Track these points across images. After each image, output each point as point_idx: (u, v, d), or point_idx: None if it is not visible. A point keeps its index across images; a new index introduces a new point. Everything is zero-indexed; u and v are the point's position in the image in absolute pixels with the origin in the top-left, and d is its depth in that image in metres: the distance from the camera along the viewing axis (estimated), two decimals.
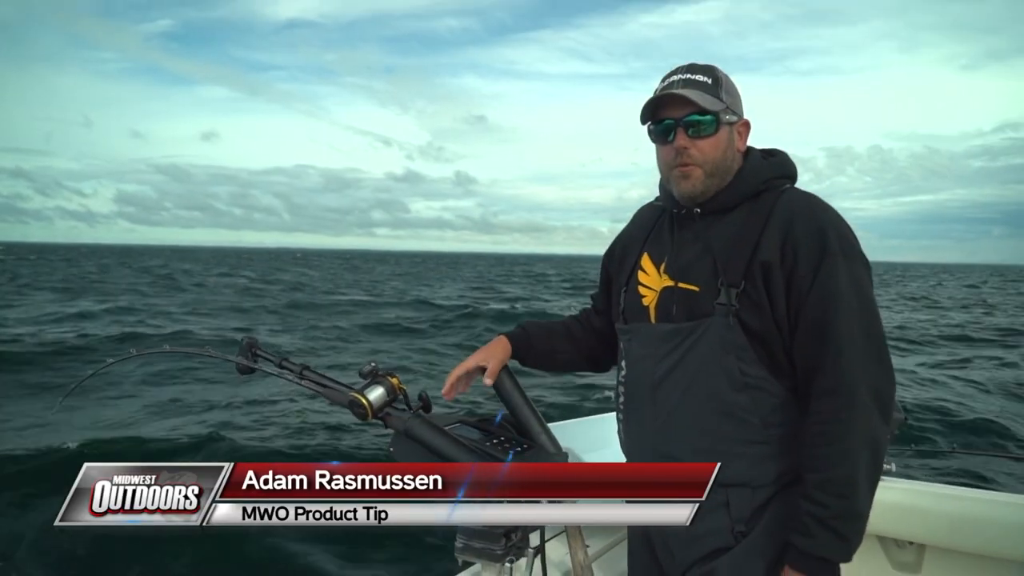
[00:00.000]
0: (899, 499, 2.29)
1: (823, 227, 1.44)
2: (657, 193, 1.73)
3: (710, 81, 1.52)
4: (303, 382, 1.57)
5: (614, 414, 1.66)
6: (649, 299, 1.60)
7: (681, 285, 1.54)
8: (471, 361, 1.68)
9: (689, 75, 1.53)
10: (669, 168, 1.55)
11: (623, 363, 1.66)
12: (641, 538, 1.67)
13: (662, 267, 1.60)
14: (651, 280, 1.61)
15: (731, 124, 1.54)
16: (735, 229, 1.51)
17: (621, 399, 1.66)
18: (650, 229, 1.70)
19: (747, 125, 1.59)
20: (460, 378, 1.67)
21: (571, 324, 1.87)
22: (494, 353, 1.70)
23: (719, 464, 1.44)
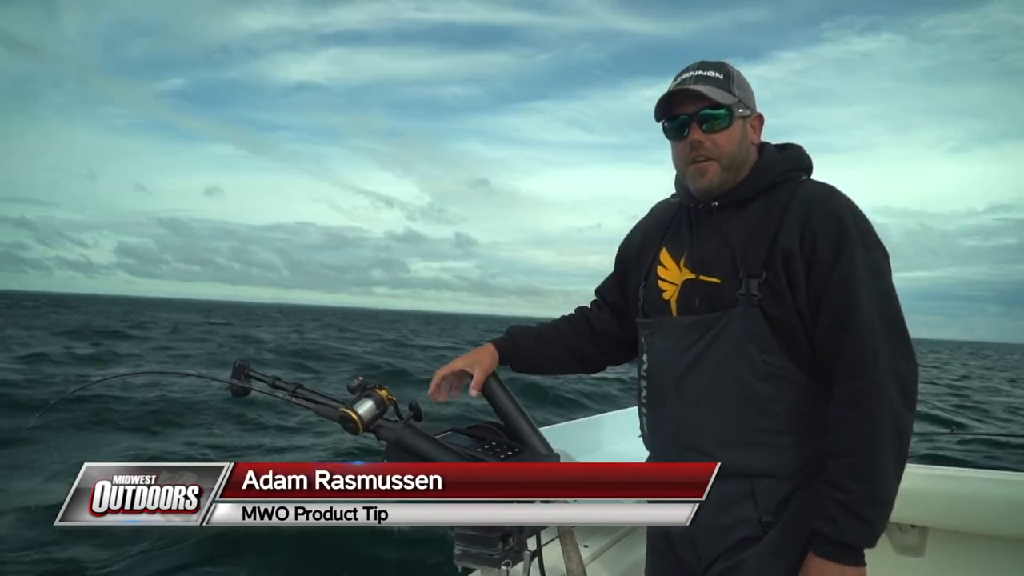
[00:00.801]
0: (901, 483, 2.29)
1: (841, 215, 1.45)
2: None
3: (722, 76, 1.54)
4: (296, 400, 1.57)
5: (605, 416, 1.67)
6: (670, 293, 1.61)
7: (702, 278, 1.55)
8: (457, 363, 1.68)
9: (701, 71, 1.55)
10: (685, 164, 1.57)
11: (644, 357, 1.66)
12: (661, 534, 1.66)
13: (682, 261, 1.61)
14: (671, 274, 1.62)
15: (744, 118, 1.56)
16: (754, 221, 1.52)
17: (644, 393, 1.66)
18: (668, 224, 1.70)
19: (760, 119, 1.61)
20: (446, 378, 1.68)
21: (561, 326, 1.86)
22: (479, 360, 1.69)
23: (747, 453, 1.46)
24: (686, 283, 1.58)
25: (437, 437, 1.47)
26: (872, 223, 1.49)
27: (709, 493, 1.42)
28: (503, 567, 1.42)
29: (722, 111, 1.52)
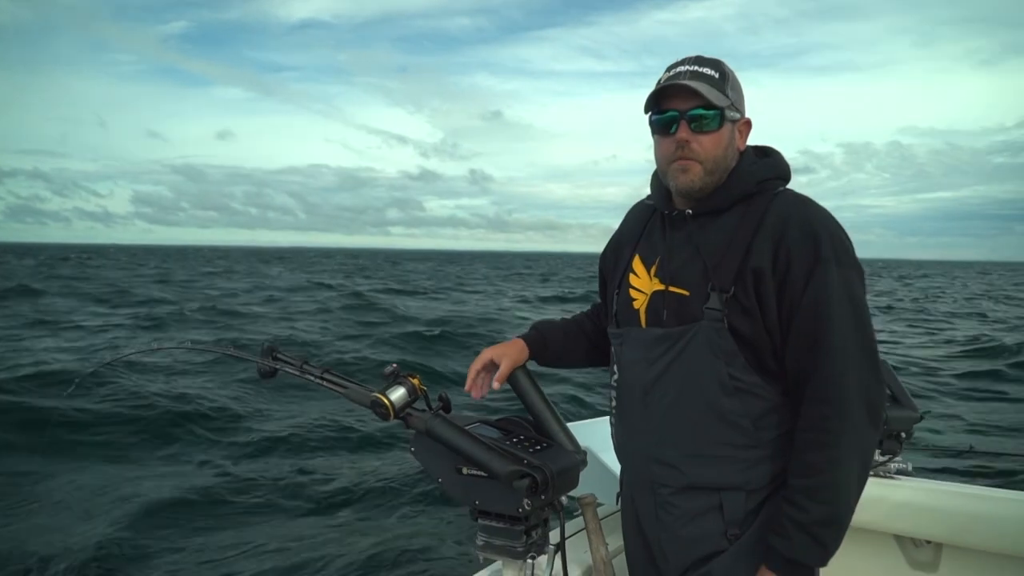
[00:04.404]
0: (915, 498, 2.30)
1: (816, 232, 1.43)
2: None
3: (717, 75, 1.50)
4: (324, 383, 1.59)
5: None
6: (640, 302, 1.60)
7: (671, 289, 1.54)
8: (487, 354, 1.70)
9: (697, 67, 1.51)
10: (668, 161, 1.53)
11: (615, 367, 1.67)
12: (638, 542, 1.68)
13: (652, 270, 1.59)
14: (642, 283, 1.61)
15: (734, 122, 1.53)
16: (727, 233, 1.50)
17: (613, 403, 1.67)
18: (641, 230, 1.68)
19: (748, 124, 1.58)
20: (479, 372, 1.70)
21: (583, 321, 1.88)
22: (508, 353, 1.70)
23: (715, 466, 1.48)
24: (655, 294, 1.57)
25: (466, 428, 1.48)
26: (848, 238, 1.47)
27: (679, 506, 1.52)
28: (528, 559, 1.45)
29: (713, 112, 1.48)
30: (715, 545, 1.50)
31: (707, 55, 1.56)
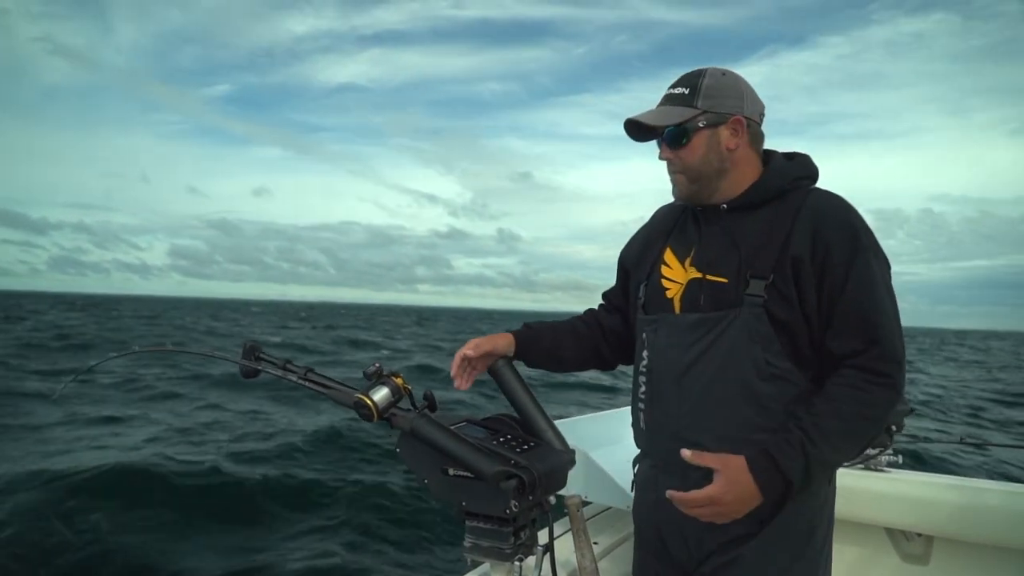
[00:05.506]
0: (906, 491, 2.30)
1: (853, 224, 1.52)
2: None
3: (687, 91, 1.60)
4: (307, 384, 1.55)
5: (621, 411, 1.65)
6: (673, 291, 1.65)
7: (709, 277, 1.59)
8: (471, 343, 1.70)
9: (671, 90, 1.64)
10: (669, 175, 1.67)
11: (645, 353, 1.69)
12: (652, 529, 1.69)
13: (687, 261, 1.65)
14: (675, 273, 1.66)
15: (713, 126, 1.59)
16: (763, 224, 1.57)
17: (642, 389, 1.69)
18: (672, 226, 1.75)
19: (740, 121, 1.61)
20: (464, 360, 1.68)
21: (576, 323, 1.89)
22: (493, 339, 1.70)
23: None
24: (692, 282, 1.62)
25: (452, 428, 1.45)
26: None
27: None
28: (515, 562, 1.42)
29: (681, 129, 1.59)
30: (744, 527, 1.52)
31: (692, 70, 1.64)
